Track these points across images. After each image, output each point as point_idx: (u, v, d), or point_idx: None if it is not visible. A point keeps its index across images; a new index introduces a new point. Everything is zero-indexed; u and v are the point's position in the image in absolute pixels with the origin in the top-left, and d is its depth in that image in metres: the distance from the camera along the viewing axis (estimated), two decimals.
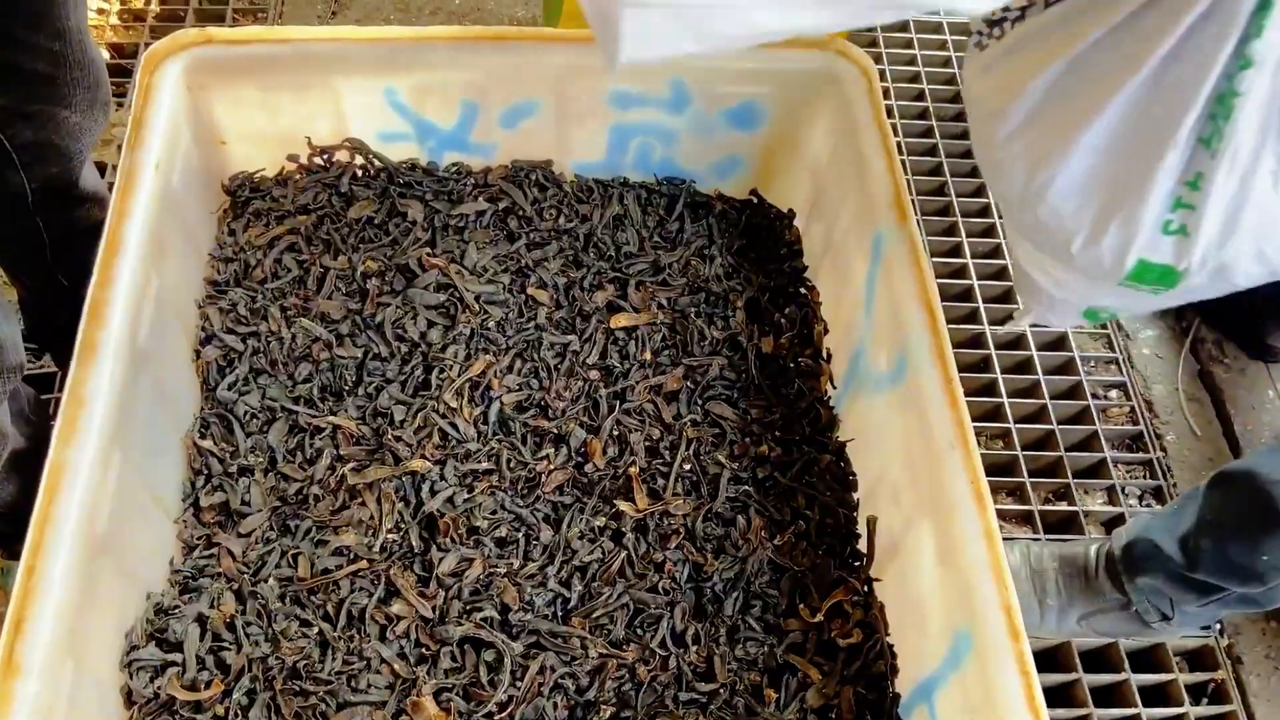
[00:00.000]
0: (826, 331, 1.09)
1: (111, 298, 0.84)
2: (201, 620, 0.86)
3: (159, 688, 0.82)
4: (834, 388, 1.06)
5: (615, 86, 1.06)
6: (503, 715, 0.85)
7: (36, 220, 1.01)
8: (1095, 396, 1.37)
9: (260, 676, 0.84)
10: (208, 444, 0.96)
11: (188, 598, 0.88)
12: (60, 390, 1.02)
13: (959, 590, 0.78)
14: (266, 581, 0.90)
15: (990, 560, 0.76)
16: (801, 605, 0.93)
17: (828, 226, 1.08)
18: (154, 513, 0.89)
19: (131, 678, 0.82)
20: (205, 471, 0.96)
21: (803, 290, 1.11)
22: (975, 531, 0.78)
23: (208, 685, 0.83)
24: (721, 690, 0.88)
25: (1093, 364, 1.41)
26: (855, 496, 1.00)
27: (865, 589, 0.94)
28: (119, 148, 1.04)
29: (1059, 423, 1.33)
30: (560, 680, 0.87)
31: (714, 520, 0.96)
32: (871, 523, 0.94)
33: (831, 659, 0.90)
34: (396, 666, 0.86)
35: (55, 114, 0.94)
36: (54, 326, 1.16)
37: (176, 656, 0.84)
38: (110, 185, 0.94)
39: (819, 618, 0.92)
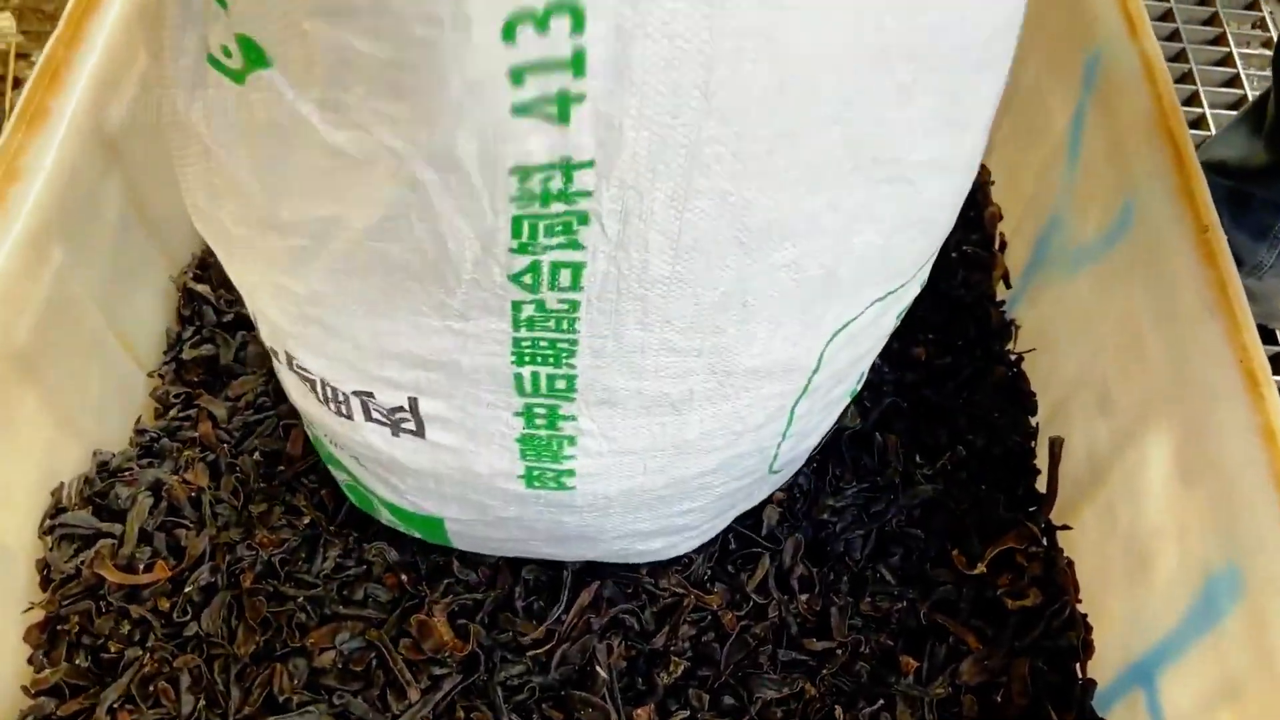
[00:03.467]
0: (1000, 217, 0.84)
1: (77, 60, 0.64)
2: (157, 489, 0.66)
3: (84, 562, 0.61)
4: (1007, 288, 0.81)
5: None
6: (538, 652, 0.62)
7: None
8: None
9: (224, 569, 0.63)
10: (203, 288, 0.77)
11: (147, 462, 0.68)
12: None
13: (1216, 515, 0.52)
14: (252, 455, 0.69)
15: (1271, 465, 0.50)
16: (956, 552, 0.67)
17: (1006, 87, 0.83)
18: (118, 355, 0.69)
19: (52, 548, 0.62)
20: (196, 321, 0.76)
21: None
22: (1246, 427, 0.52)
23: (149, 569, 0.62)
24: (839, 651, 0.63)
25: None
26: (1034, 421, 0.75)
27: (1045, 539, 0.68)
28: None
29: None
30: (620, 616, 0.64)
31: (845, 436, 0.72)
32: (1056, 446, 0.68)
33: (997, 624, 0.65)
34: (404, 577, 0.64)
35: None
36: None
37: (115, 528, 0.63)
38: None
39: (980, 569, 0.66)
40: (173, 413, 0.71)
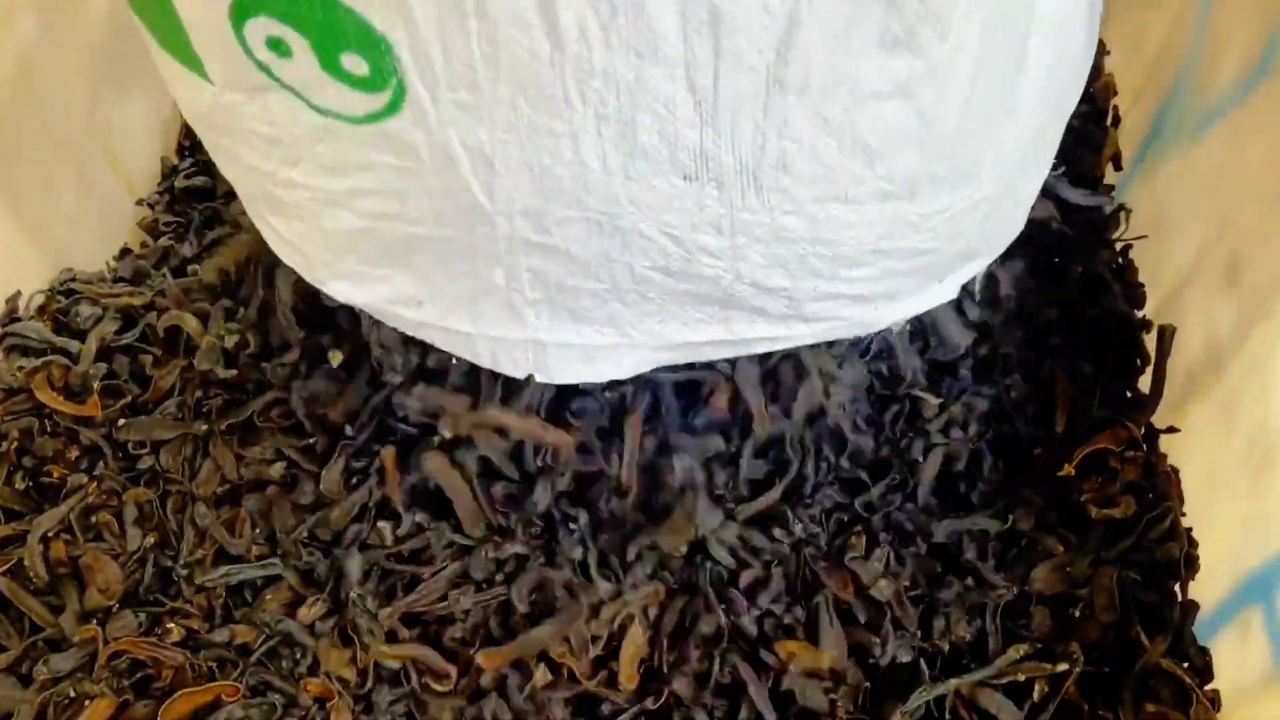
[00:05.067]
0: (1115, 91, 0.72)
1: None
2: (131, 313, 0.59)
3: (26, 369, 0.54)
4: (1117, 170, 0.70)
5: None
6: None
7: None
8: None
9: (190, 406, 0.56)
10: None
11: (124, 287, 0.61)
12: None
13: None
14: (248, 306, 0.61)
15: None
16: (1039, 451, 0.57)
17: None
18: (103, 172, 0.63)
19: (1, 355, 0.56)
20: (196, 154, 0.69)
21: None
22: None
23: (114, 399, 0.55)
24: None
25: None
26: (1140, 314, 0.64)
27: (1145, 444, 0.58)
28: None
29: None
30: None
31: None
32: (1167, 335, 0.58)
33: (1082, 533, 0.54)
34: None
35: None
36: None
37: (72, 345, 0.56)
38: None
39: (1068, 470, 0.56)
40: (161, 240, 0.64)
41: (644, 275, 0.41)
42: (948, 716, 0.48)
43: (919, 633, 0.51)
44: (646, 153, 0.37)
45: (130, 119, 0.65)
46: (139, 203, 0.66)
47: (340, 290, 0.46)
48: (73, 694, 0.48)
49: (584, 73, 0.34)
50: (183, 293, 0.59)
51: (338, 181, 0.40)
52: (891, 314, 0.48)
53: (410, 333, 0.48)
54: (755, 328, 0.45)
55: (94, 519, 0.52)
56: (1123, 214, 0.67)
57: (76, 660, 0.49)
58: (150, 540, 0.52)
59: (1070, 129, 0.69)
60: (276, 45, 0.35)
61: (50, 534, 0.51)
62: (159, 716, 0.47)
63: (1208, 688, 0.49)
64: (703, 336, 0.45)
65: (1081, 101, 0.70)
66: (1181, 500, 0.55)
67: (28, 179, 0.56)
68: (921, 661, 0.50)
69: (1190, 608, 0.51)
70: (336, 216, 0.41)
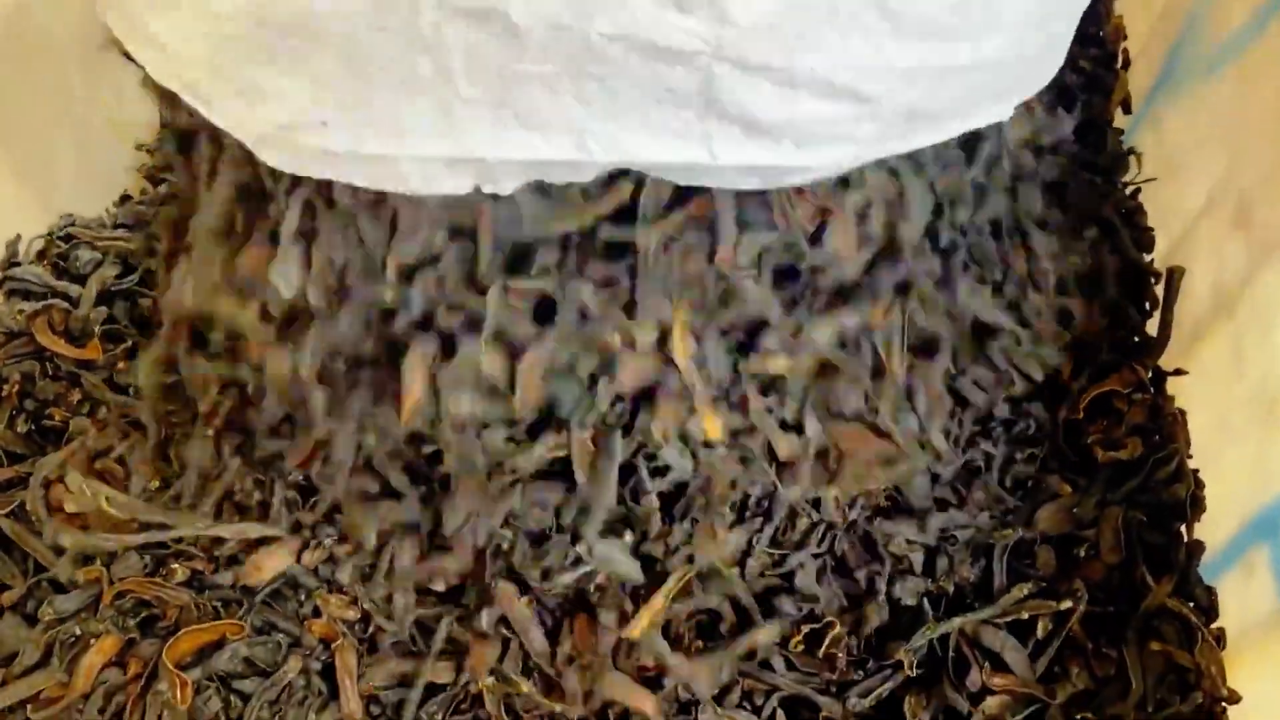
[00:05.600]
0: (1125, 35, 0.71)
1: None
2: (131, 258, 0.58)
3: (26, 313, 0.54)
4: (1126, 114, 0.69)
5: None
6: None
7: None
8: None
9: None
10: None
11: (124, 232, 0.60)
12: None
13: None
14: None
15: None
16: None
17: None
18: (98, 117, 0.62)
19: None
20: None
21: None
22: None
23: (115, 343, 0.55)
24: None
25: None
26: (1148, 258, 0.63)
27: (1153, 386, 0.57)
28: None
29: None
30: None
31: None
32: (1175, 277, 0.57)
33: (1088, 475, 0.54)
34: None
35: None
36: None
37: (73, 290, 0.56)
38: None
39: (1077, 414, 0.56)
40: (162, 188, 0.64)
41: (601, 49, 0.33)
42: (951, 654, 0.48)
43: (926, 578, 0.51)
44: None
45: (129, 65, 0.64)
46: (138, 148, 0.65)
47: (233, 113, 0.37)
48: (78, 633, 0.48)
49: None
50: None
51: None
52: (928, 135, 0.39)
53: (319, 173, 0.38)
54: (743, 150, 0.36)
55: (97, 464, 0.52)
56: (1132, 158, 0.66)
57: (81, 601, 0.49)
58: (155, 484, 0.52)
59: (1080, 72, 0.68)
60: None
61: (52, 477, 0.51)
62: (164, 654, 0.47)
63: (1213, 626, 0.49)
64: (676, 156, 0.37)
65: (1091, 45, 0.70)
66: (1188, 442, 0.54)
67: (27, 126, 0.56)
68: (925, 601, 0.50)
69: (1196, 548, 0.51)
70: None
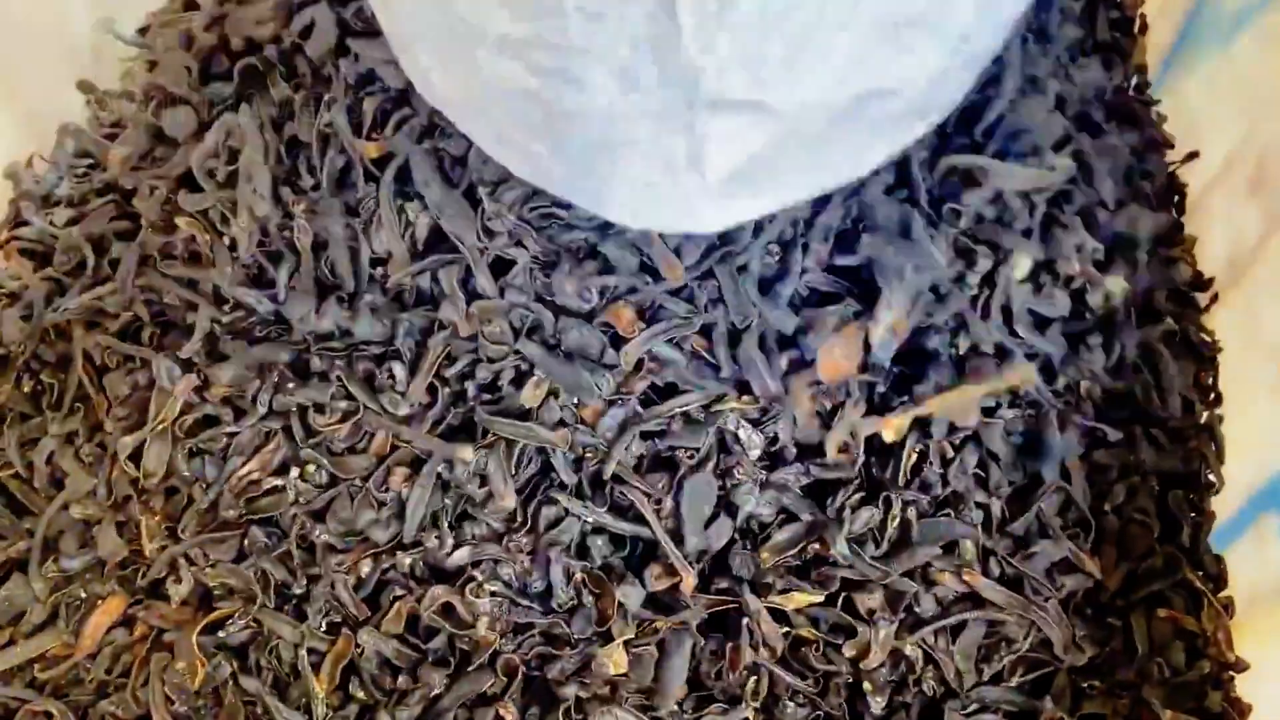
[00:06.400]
0: (1143, 1, 0.70)
1: None
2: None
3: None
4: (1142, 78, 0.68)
5: None
6: None
7: None
8: None
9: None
10: None
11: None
12: None
13: None
14: None
15: None
16: None
17: None
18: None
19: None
20: None
21: None
22: None
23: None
24: None
25: None
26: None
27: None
28: None
29: None
30: None
31: None
32: (1187, 245, 0.56)
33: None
34: None
35: None
36: None
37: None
38: None
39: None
40: None
41: None
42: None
43: None
44: None
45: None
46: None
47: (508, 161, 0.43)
48: (84, 595, 0.49)
49: None
50: None
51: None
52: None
53: None
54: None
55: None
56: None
57: (85, 563, 0.49)
58: None
59: (1097, 37, 0.67)
60: None
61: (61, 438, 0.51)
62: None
63: (1221, 595, 0.48)
64: None
65: (1109, 8, 0.68)
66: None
67: (36, 88, 0.55)
68: None
69: (1204, 521, 0.50)
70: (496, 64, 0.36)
